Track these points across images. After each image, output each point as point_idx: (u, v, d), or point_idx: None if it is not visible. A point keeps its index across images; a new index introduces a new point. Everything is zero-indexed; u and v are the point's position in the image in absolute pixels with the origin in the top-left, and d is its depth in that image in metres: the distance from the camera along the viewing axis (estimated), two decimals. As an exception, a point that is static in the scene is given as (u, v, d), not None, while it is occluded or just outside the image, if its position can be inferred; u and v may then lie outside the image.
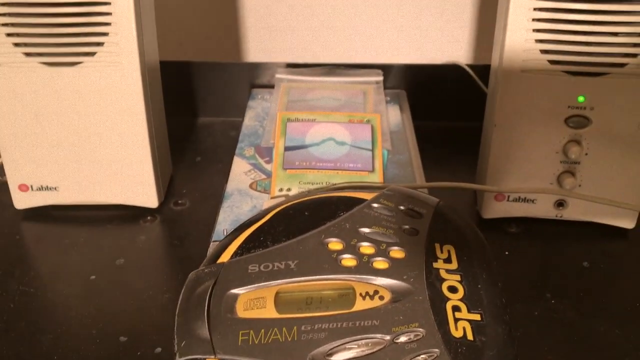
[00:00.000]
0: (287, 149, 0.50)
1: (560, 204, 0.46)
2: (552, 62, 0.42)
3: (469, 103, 0.62)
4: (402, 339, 0.30)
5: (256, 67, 0.65)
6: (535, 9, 0.41)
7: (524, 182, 0.46)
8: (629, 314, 0.40)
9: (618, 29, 0.41)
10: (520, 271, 0.44)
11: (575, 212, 0.47)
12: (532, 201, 0.47)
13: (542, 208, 0.47)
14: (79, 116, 0.46)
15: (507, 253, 0.45)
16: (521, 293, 0.41)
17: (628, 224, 0.47)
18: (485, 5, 0.65)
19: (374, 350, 0.29)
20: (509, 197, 0.47)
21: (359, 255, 0.34)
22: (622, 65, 0.42)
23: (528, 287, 0.42)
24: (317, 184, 0.47)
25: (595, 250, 0.45)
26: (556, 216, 0.47)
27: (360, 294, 0.32)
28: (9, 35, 0.43)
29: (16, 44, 0.43)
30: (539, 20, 0.41)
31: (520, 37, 0.42)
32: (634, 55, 0.41)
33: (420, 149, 0.53)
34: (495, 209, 0.48)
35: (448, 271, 0.33)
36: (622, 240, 0.47)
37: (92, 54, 0.44)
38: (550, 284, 0.42)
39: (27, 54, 0.44)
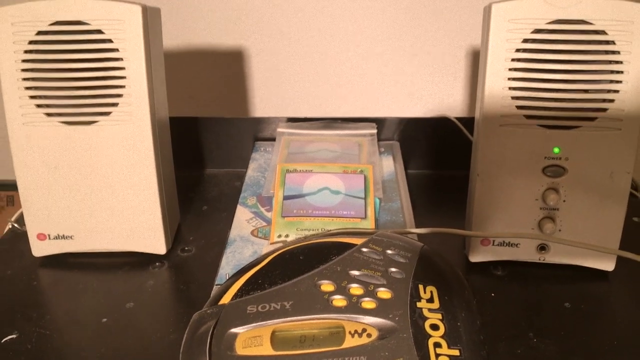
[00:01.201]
0: (285, 198, 0.53)
1: (542, 247, 0.49)
2: (527, 116, 0.46)
3: (458, 153, 0.66)
4: (387, 373, 0.32)
5: (259, 121, 0.69)
6: (510, 69, 0.45)
7: (507, 227, 0.49)
8: (607, 352, 0.42)
9: (588, 86, 0.44)
10: (506, 311, 0.46)
11: (556, 255, 0.49)
12: (516, 245, 0.50)
13: (526, 252, 0.50)
14: (93, 170, 0.49)
15: (493, 294, 0.48)
16: (505, 332, 0.44)
17: (607, 266, 0.49)
18: (471, 62, 0.69)
19: (362, 383, 0.32)
20: (494, 241, 0.50)
21: (348, 296, 0.37)
22: (593, 119, 0.45)
23: (512, 326, 0.44)
24: (313, 230, 0.50)
25: (576, 291, 0.48)
26: (539, 259, 0.50)
27: (350, 332, 0.35)
28: (32, 97, 0.47)
29: (38, 105, 0.48)
30: (514, 79, 0.45)
31: (498, 95, 0.45)
32: (604, 110, 0.45)
33: (412, 197, 0.57)
34: (482, 253, 0.50)
35: (430, 310, 0.36)
36: (602, 281, 0.49)
37: (108, 113, 0.48)
38: (533, 324, 0.45)
39: (48, 114, 0.48)
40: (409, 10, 0.68)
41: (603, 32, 0.43)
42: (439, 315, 0.35)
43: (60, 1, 0.46)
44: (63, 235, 0.51)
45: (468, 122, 0.65)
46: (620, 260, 0.49)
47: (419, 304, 0.36)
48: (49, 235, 0.51)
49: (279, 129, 0.67)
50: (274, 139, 0.68)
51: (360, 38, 0.70)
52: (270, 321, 0.36)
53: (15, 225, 0.57)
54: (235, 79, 0.72)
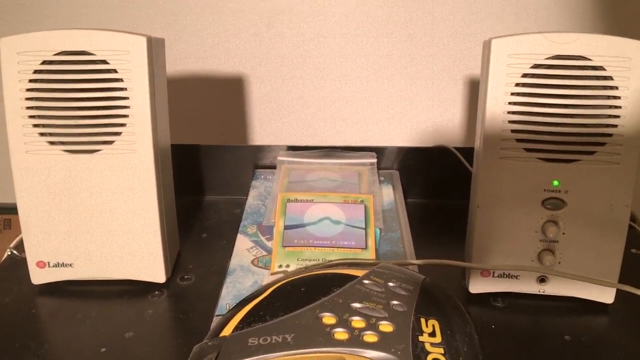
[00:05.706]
0: (286, 227, 0.53)
1: (542, 279, 0.49)
2: (527, 149, 0.46)
3: (457, 182, 0.66)
4: (389, 408, 0.32)
5: (259, 149, 0.69)
6: (509, 103, 0.45)
7: (507, 259, 0.49)
8: (608, 386, 0.42)
9: (586, 120, 0.45)
10: (506, 344, 0.46)
11: (556, 287, 0.50)
12: (516, 277, 0.50)
13: (525, 283, 0.50)
14: (95, 198, 0.49)
15: (493, 327, 0.48)
16: (506, 365, 0.44)
17: (607, 299, 0.49)
18: (470, 92, 0.70)
19: (363, 418, 0.32)
20: (493, 273, 0.50)
21: (350, 329, 0.37)
22: (591, 152, 0.46)
23: (513, 359, 0.44)
24: (313, 260, 0.50)
25: (576, 324, 0.48)
26: (539, 291, 0.50)
27: (351, 366, 0.35)
28: (35, 126, 0.48)
29: (42, 134, 0.48)
30: (513, 112, 0.46)
31: (497, 127, 0.46)
32: (602, 144, 0.45)
33: (412, 226, 0.57)
34: (482, 285, 0.50)
35: (432, 344, 0.36)
36: (602, 314, 0.49)
37: (111, 142, 0.48)
38: (533, 357, 0.45)
39: (51, 143, 0.48)
40: (408, 40, 0.69)
41: (601, 68, 0.44)
42: (441, 350, 0.35)
43: (65, 31, 0.46)
44: (62, 263, 0.51)
45: (468, 151, 0.65)
46: (620, 292, 0.49)
47: (420, 338, 0.36)
48: (48, 263, 0.51)
49: (279, 157, 0.67)
50: (274, 167, 0.68)
51: (360, 68, 0.71)
52: (271, 354, 0.35)
53: (15, 251, 0.57)
54: (236, 107, 0.73)
